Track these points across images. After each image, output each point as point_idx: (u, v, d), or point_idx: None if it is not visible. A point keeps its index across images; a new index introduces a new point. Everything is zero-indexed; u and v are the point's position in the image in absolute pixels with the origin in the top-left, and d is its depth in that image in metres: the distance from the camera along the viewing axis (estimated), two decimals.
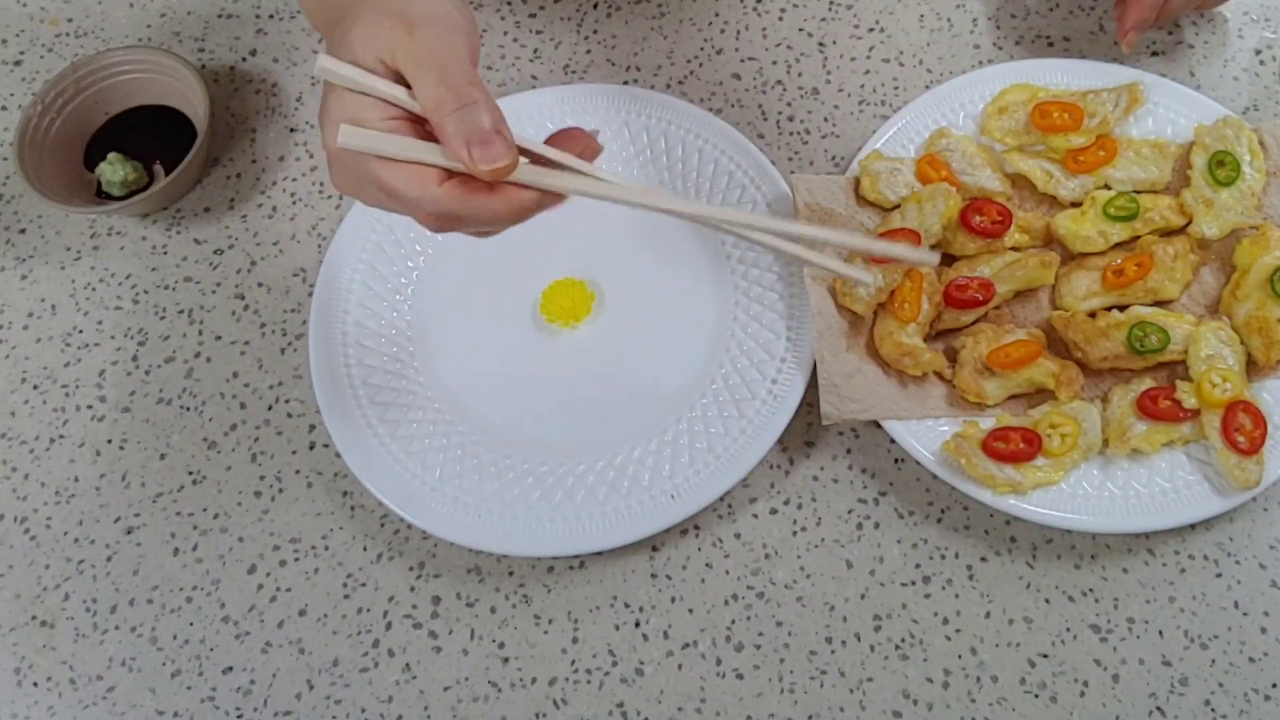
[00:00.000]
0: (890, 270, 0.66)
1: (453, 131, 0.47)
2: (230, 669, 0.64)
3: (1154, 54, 0.78)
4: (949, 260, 0.69)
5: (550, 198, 0.50)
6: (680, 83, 0.80)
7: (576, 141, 0.52)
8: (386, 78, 0.49)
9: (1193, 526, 0.64)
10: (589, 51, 0.82)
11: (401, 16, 0.49)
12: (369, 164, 0.48)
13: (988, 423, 0.64)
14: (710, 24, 0.82)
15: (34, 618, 0.66)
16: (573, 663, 0.63)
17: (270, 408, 0.71)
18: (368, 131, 0.48)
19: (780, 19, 0.82)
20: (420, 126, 0.49)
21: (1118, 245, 0.68)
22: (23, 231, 0.78)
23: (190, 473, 0.69)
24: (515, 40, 0.82)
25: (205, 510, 0.68)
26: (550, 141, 0.52)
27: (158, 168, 0.78)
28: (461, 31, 0.50)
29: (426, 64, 0.48)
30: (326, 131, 0.49)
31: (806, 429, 0.68)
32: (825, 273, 0.64)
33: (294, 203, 0.78)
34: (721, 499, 0.65)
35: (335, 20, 0.53)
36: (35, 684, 0.64)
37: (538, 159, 0.50)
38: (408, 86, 0.48)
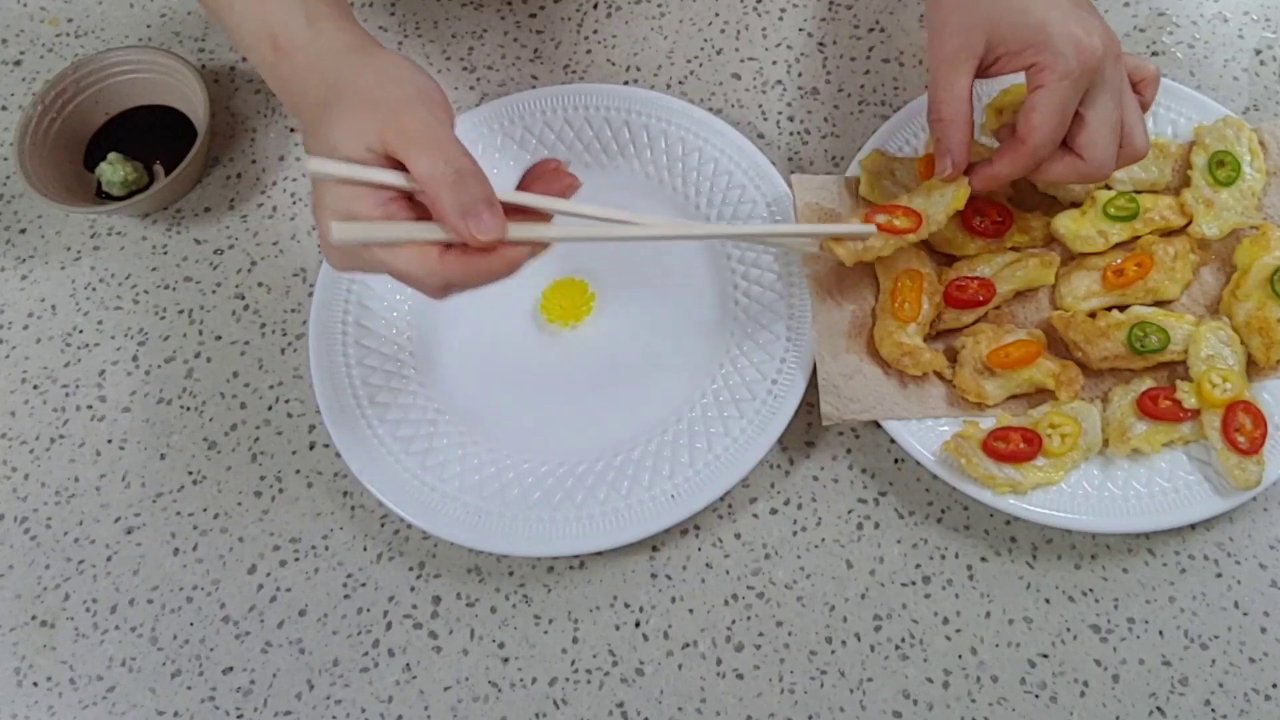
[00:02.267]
0: (886, 274, 0.66)
1: (449, 204, 0.50)
2: (230, 669, 0.64)
3: (1154, 54, 0.78)
4: (949, 260, 0.69)
5: (539, 246, 0.53)
6: (680, 83, 0.80)
7: (554, 180, 0.55)
8: (376, 164, 0.51)
9: (1193, 526, 0.64)
10: (589, 51, 0.82)
11: (384, 103, 0.52)
12: (373, 251, 0.51)
13: (988, 423, 0.64)
14: (710, 24, 0.82)
15: (34, 618, 0.66)
16: (573, 663, 0.63)
17: (270, 408, 0.71)
18: (361, 224, 0.50)
19: (780, 19, 0.82)
20: (411, 203, 0.52)
21: (1118, 245, 0.68)
22: (23, 231, 0.78)
23: (190, 473, 0.69)
24: (515, 40, 0.82)
25: (205, 510, 0.68)
26: (527, 179, 0.55)
27: (158, 168, 0.78)
28: (441, 105, 0.53)
29: (420, 142, 0.50)
30: (322, 225, 0.51)
31: (806, 429, 0.68)
32: (820, 237, 0.66)
33: (294, 203, 0.78)
34: (721, 499, 0.65)
35: (306, 104, 0.55)
36: (35, 684, 0.64)
37: (522, 209, 0.54)
38: (399, 167, 0.51)
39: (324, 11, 0.56)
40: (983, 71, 0.62)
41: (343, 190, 0.51)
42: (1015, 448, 0.62)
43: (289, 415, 0.71)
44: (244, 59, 0.83)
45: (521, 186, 0.56)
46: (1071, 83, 0.58)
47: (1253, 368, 0.64)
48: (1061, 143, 0.61)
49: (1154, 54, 0.78)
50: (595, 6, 0.84)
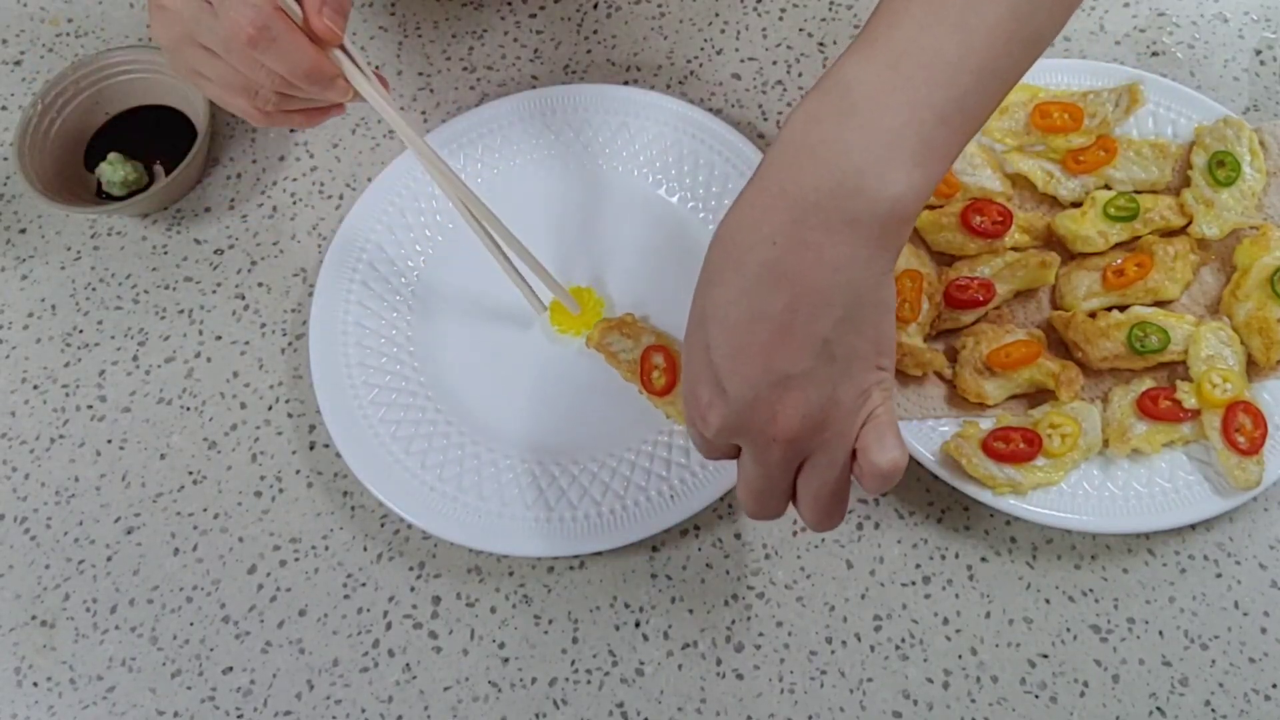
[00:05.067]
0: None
1: None
2: (230, 669, 0.64)
3: (1154, 54, 0.78)
4: (949, 260, 0.69)
5: (340, 88, 0.55)
6: (680, 83, 0.80)
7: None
8: None
9: (1193, 526, 0.64)
10: (589, 51, 0.82)
11: None
12: None
13: (988, 423, 0.64)
14: (710, 24, 0.82)
15: (34, 618, 0.66)
16: (573, 663, 0.63)
17: (270, 408, 0.71)
18: None
19: (780, 19, 0.82)
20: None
21: (1118, 245, 0.68)
22: (23, 231, 0.78)
23: (190, 473, 0.69)
24: (515, 40, 0.82)
25: (205, 510, 0.68)
26: None
27: (158, 168, 0.78)
28: None
29: None
30: None
31: None
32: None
33: (294, 203, 0.78)
34: (721, 499, 0.65)
35: None
36: (35, 684, 0.64)
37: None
38: None
39: None
40: None
41: None
42: (1015, 448, 0.62)
43: (289, 415, 0.71)
44: None
45: None
46: (706, 439, 0.48)
47: (1253, 368, 0.64)
48: None
49: (1154, 54, 0.78)
50: (595, 6, 0.84)
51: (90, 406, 0.72)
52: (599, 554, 0.65)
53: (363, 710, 0.62)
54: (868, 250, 0.44)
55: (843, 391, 0.45)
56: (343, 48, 0.56)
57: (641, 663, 0.63)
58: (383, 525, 0.67)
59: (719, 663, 0.62)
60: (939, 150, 0.45)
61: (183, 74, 0.57)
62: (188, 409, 0.71)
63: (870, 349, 0.45)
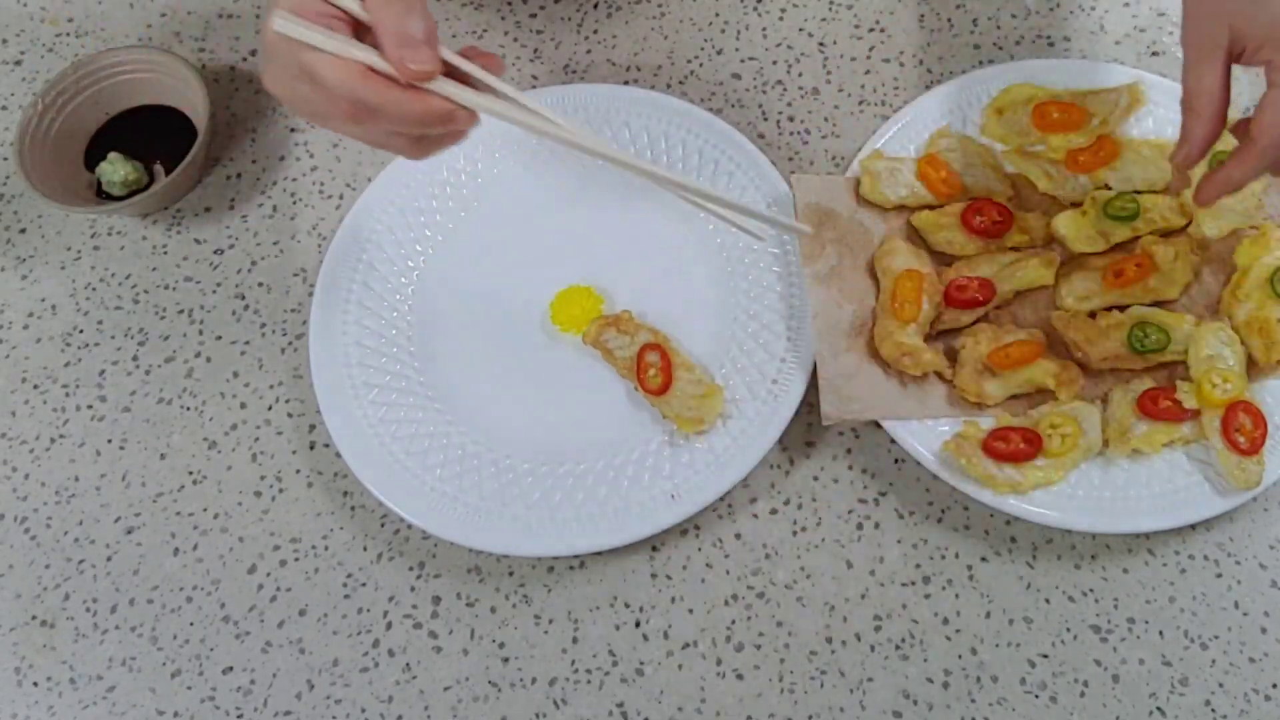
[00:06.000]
0: (886, 274, 0.66)
1: (389, 29, 0.50)
2: (230, 669, 0.64)
3: (1154, 54, 0.78)
4: (949, 260, 0.69)
5: (463, 116, 0.52)
6: (680, 83, 0.80)
7: (485, 59, 0.55)
8: None
9: (1193, 526, 0.64)
10: (589, 51, 0.82)
11: None
12: (301, 53, 0.50)
13: (988, 423, 0.64)
14: (710, 24, 0.82)
15: (34, 618, 0.66)
16: (573, 663, 0.63)
17: (270, 408, 0.71)
18: (304, 22, 0.50)
19: (780, 19, 0.82)
20: (359, 30, 0.52)
21: (1118, 245, 0.68)
22: (23, 231, 0.78)
23: (190, 473, 0.69)
24: (515, 40, 0.82)
25: (205, 510, 0.68)
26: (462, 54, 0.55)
27: (158, 168, 0.78)
28: None
29: None
30: (270, 21, 0.51)
31: (806, 429, 0.68)
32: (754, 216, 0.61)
33: (294, 203, 0.78)
34: (721, 499, 0.65)
35: None
36: (35, 684, 0.64)
37: (456, 74, 0.53)
38: None
39: None
40: (1235, 61, 0.58)
41: None
42: (1015, 448, 0.62)
43: (289, 415, 0.71)
44: (244, 58, 0.83)
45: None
46: None
47: (1253, 368, 0.64)
48: None
49: (1154, 54, 0.78)
50: (595, 6, 0.84)
51: (90, 406, 0.72)
52: (599, 554, 0.65)
53: (363, 710, 0.62)
54: None
55: None
56: (447, 66, 0.52)
57: (641, 663, 0.63)
58: (383, 525, 0.67)
59: (719, 663, 0.62)
60: None
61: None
62: (188, 409, 0.71)
63: None
